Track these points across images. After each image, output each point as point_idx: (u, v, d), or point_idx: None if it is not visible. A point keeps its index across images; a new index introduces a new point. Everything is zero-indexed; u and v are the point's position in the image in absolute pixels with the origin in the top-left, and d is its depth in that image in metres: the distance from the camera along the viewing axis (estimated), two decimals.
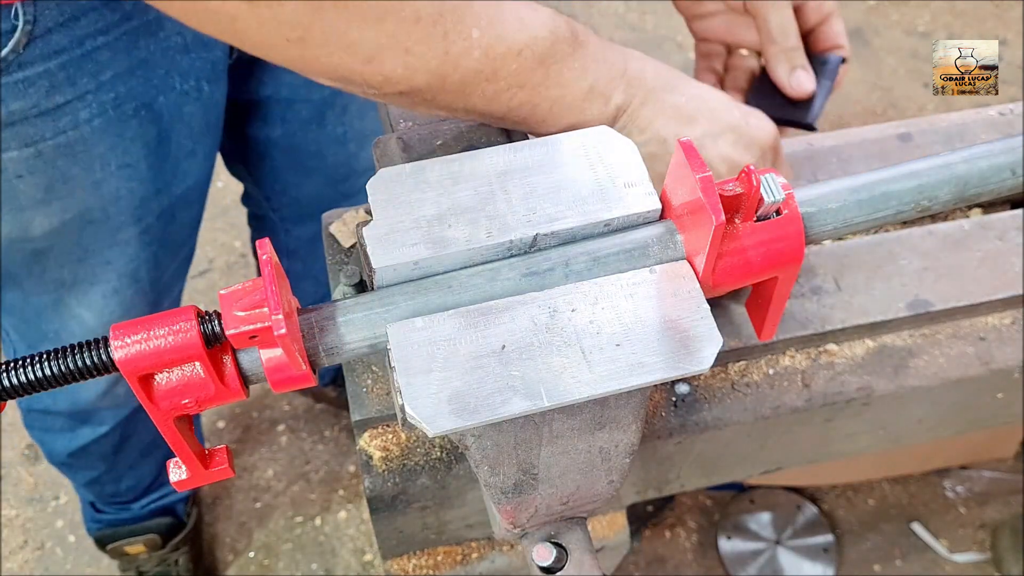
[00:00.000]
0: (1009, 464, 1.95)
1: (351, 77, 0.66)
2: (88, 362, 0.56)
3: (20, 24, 0.87)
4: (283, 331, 0.53)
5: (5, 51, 0.87)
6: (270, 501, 1.97)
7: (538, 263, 0.62)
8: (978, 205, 1.03)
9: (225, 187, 2.21)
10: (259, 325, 0.54)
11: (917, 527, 1.90)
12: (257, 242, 0.57)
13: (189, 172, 1.14)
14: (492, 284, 0.61)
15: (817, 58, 0.89)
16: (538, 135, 0.73)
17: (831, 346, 0.92)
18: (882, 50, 2.70)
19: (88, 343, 0.56)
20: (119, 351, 0.55)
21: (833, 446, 1.01)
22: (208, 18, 0.63)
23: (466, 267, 0.62)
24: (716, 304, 0.89)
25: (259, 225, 1.64)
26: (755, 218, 0.62)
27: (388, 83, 0.66)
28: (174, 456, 0.62)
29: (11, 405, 1.54)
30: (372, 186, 0.65)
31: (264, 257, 0.55)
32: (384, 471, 0.84)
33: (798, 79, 0.87)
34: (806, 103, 0.89)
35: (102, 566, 1.88)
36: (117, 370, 0.55)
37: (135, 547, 1.75)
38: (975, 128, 1.06)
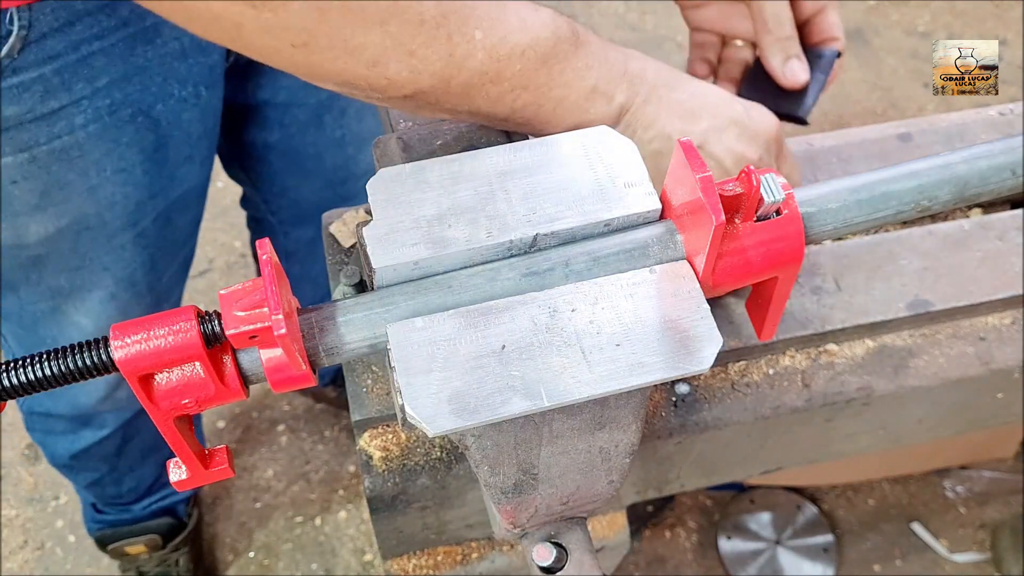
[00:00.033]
0: (1009, 464, 1.95)
1: (355, 81, 0.66)
2: (88, 362, 0.56)
3: (15, 29, 0.86)
4: (283, 331, 0.53)
5: (0, 56, 0.87)
6: (270, 501, 1.97)
7: (538, 263, 0.62)
8: (978, 205, 1.03)
9: (225, 188, 2.21)
10: (259, 325, 0.54)
11: (917, 527, 1.90)
12: (257, 242, 0.57)
13: (186, 177, 1.13)
14: (492, 284, 0.61)
15: (812, 51, 0.89)
16: (542, 136, 0.73)
17: (831, 346, 0.92)
18: (882, 50, 2.70)
19: (88, 343, 0.56)
20: (119, 351, 0.55)
21: (833, 446, 1.01)
22: (212, 25, 0.62)
23: (466, 267, 0.62)
24: (716, 303, 0.89)
25: (258, 228, 1.64)
26: (755, 218, 0.62)
27: (392, 86, 0.66)
28: (175, 457, 0.62)
29: (11, 406, 1.54)
30: (372, 186, 0.65)
31: (264, 257, 0.55)
32: (384, 471, 0.84)
33: (792, 69, 0.87)
34: (799, 96, 0.88)
35: (102, 566, 1.88)
36: (117, 370, 0.55)
37: (136, 547, 1.76)
38: (975, 128, 1.06)
